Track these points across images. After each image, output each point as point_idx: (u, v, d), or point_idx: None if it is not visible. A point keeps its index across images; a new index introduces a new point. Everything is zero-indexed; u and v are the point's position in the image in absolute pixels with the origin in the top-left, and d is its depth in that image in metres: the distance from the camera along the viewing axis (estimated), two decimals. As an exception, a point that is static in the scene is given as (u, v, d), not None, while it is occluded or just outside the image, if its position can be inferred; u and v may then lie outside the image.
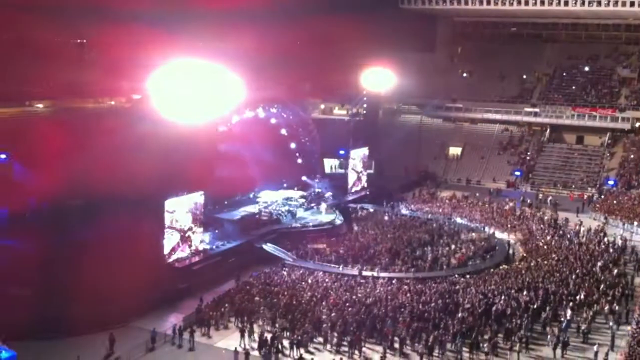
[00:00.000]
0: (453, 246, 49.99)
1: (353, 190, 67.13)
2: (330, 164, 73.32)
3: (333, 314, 35.69)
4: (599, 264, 45.02)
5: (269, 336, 33.56)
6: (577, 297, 38.89)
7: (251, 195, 59.84)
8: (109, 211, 41.61)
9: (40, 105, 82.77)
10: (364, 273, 43.87)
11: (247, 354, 31.95)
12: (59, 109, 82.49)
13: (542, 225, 56.02)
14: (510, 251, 50.23)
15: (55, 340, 33.15)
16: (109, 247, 39.10)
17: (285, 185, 63.35)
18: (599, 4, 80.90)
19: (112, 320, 34.69)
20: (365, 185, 69.66)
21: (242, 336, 34.04)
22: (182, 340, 34.15)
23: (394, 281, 42.23)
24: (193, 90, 44.15)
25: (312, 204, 59.69)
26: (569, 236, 52.92)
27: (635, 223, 56.91)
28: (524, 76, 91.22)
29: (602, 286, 40.70)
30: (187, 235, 44.87)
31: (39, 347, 32.12)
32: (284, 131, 62.30)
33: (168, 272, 42.21)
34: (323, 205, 59.15)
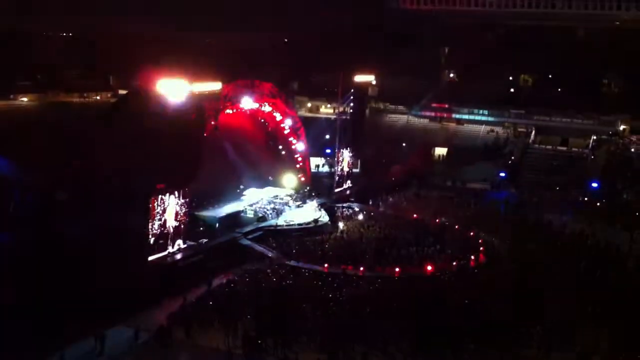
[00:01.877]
0: (438, 246, 50.11)
1: (339, 189, 67.07)
2: (316, 163, 73.32)
3: (317, 313, 35.65)
4: (582, 265, 45.38)
5: (253, 335, 33.47)
6: (561, 299, 39.12)
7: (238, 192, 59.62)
8: (94, 206, 41.34)
9: (25, 99, 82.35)
10: (349, 272, 43.84)
11: (230, 352, 31.85)
12: (44, 103, 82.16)
13: (526, 227, 56.32)
14: (495, 252, 50.38)
15: (39, 337, 32.81)
16: (94, 243, 38.85)
17: (271, 179, 63.21)
18: (586, 7, 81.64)
19: (95, 317, 34.36)
20: (351, 184, 69.62)
21: (226, 335, 33.92)
22: (165, 339, 33.93)
23: (378, 280, 42.26)
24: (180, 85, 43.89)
25: (299, 202, 59.58)
26: (552, 238, 53.25)
27: (618, 226, 57.30)
28: (511, 78, 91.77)
29: (585, 288, 40.99)
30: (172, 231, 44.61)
31: (23, 344, 31.82)
32: (270, 128, 62.17)
33: (153, 269, 41.94)
34: (313, 203, 59.08)
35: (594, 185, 71.39)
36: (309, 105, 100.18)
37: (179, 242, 45.28)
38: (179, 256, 44.50)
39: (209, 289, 40.41)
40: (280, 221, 54.40)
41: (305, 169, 65.23)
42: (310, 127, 68.51)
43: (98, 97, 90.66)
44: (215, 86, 48.40)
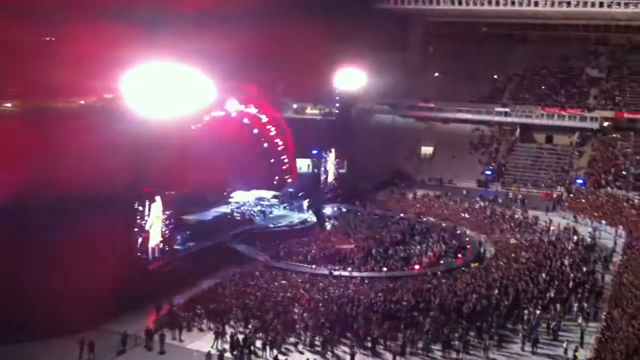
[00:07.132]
0: (425, 245, 50.27)
1: (325, 190, 67.10)
2: (302, 164, 73.29)
3: (305, 314, 35.67)
4: (568, 262, 45.64)
5: (241, 337, 33.40)
6: (547, 295, 39.37)
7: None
8: (78, 211, 41.01)
9: (9, 105, 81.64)
10: (336, 273, 43.90)
11: (220, 356, 31.78)
12: (27, 109, 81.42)
13: (512, 224, 56.62)
14: (482, 250, 50.61)
15: (23, 344, 32.50)
16: (78, 248, 38.50)
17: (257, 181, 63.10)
18: (569, 4, 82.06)
19: (81, 323, 34.10)
20: (338, 185, 69.63)
21: (216, 338, 33.82)
22: (153, 343, 33.79)
23: (366, 280, 42.34)
24: (165, 89, 43.78)
25: (286, 204, 59.53)
26: (538, 234, 53.56)
27: (604, 222, 57.74)
28: (495, 76, 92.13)
29: (571, 284, 41.26)
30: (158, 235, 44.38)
31: (6, 352, 31.54)
32: (256, 131, 62.07)
33: (139, 273, 41.70)
34: (300, 204, 59.07)
35: (579, 181, 71.87)
36: (295, 106, 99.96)
37: (166, 246, 45.10)
38: (165, 260, 44.34)
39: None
40: (268, 223, 54.35)
41: (291, 170, 65.19)
42: (296, 129, 68.48)
43: (82, 102, 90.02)
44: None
